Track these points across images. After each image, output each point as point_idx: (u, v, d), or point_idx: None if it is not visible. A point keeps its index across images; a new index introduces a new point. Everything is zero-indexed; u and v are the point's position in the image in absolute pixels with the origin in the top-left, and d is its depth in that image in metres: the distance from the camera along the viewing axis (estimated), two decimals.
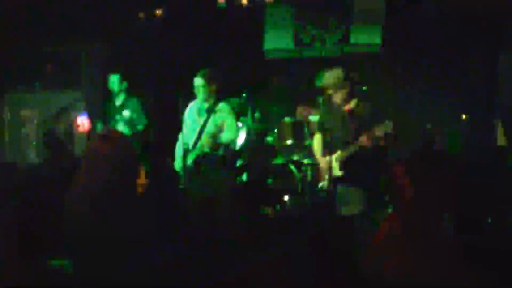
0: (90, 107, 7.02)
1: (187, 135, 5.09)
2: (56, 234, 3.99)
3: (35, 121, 8.24)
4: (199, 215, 4.92)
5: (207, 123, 4.99)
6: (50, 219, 4.23)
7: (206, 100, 5.03)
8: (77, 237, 2.47)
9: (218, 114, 4.98)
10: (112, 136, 2.51)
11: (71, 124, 7.64)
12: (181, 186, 5.04)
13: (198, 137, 5.01)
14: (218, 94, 5.10)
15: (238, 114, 6.53)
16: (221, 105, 5.05)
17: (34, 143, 8.02)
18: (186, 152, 4.95)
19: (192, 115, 5.15)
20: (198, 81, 5.00)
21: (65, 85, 8.05)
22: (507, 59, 6.48)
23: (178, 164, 5.13)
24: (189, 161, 4.95)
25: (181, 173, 5.03)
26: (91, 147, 2.56)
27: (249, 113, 6.49)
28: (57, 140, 7.20)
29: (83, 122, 6.70)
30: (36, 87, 8.30)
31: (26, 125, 8.31)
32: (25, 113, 8.34)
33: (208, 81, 4.98)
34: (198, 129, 5.04)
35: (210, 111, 5.01)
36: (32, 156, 7.83)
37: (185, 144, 4.97)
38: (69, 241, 2.60)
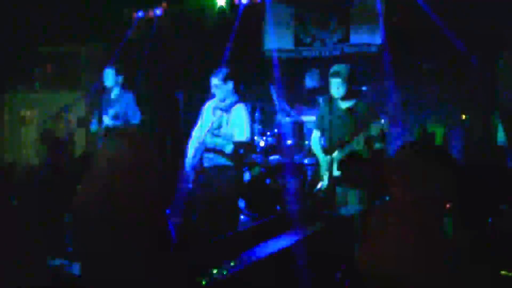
0: (90, 107, 7.03)
1: (200, 133, 5.09)
2: (57, 233, 3.99)
3: (35, 121, 8.25)
4: (205, 213, 4.89)
5: (220, 122, 4.93)
6: (50, 218, 4.23)
7: (223, 99, 4.97)
8: (89, 233, 2.44)
9: (233, 113, 4.91)
10: (129, 133, 2.50)
11: (71, 124, 7.65)
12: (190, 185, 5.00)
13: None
14: (237, 94, 5.01)
15: None
16: (238, 106, 4.96)
17: (34, 143, 8.03)
18: (196, 150, 4.96)
19: (207, 114, 5.09)
20: (213, 81, 4.95)
21: (65, 85, 8.07)
22: (507, 59, 6.48)
23: (188, 162, 5.05)
24: (197, 159, 4.95)
25: (190, 171, 4.98)
26: (106, 145, 2.54)
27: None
28: (56, 140, 7.20)
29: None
30: (36, 87, 8.31)
31: (26, 125, 8.33)
32: (25, 113, 8.35)
33: (224, 80, 4.93)
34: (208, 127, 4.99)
35: (226, 110, 4.94)
36: (32, 156, 7.84)
37: (196, 142, 4.99)
38: (79, 237, 2.58)
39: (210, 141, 4.83)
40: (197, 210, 4.96)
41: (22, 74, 8.20)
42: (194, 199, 4.96)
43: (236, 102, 4.95)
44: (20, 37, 7.66)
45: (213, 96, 5.06)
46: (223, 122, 4.89)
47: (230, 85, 4.96)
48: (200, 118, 5.13)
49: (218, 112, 4.95)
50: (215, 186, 4.87)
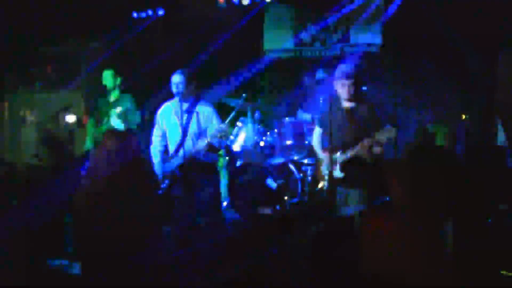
0: (90, 107, 7.03)
1: (163, 137, 4.98)
2: (57, 233, 3.99)
3: (35, 121, 8.25)
4: (185, 218, 4.83)
5: (190, 124, 4.84)
6: (51, 218, 4.23)
7: (184, 99, 4.83)
8: (88, 230, 2.46)
9: (201, 115, 4.85)
10: (118, 131, 2.53)
11: (71, 124, 7.65)
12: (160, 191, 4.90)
13: (182, 140, 4.83)
14: (197, 94, 4.95)
15: (238, 114, 6.53)
16: (203, 104, 4.88)
17: (34, 143, 8.03)
18: (169, 156, 4.87)
19: (168, 116, 4.95)
20: (177, 78, 4.80)
21: (65, 85, 8.06)
22: (507, 59, 6.48)
23: (157, 167, 4.94)
24: (174, 165, 4.83)
25: (160, 176, 4.87)
26: (100, 143, 2.57)
27: (249, 113, 6.48)
28: (56, 140, 7.21)
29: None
30: (36, 87, 8.30)
31: (26, 125, 8.32)
32: (25, 113, 8.34)
33: (187, 78, 4.80)
34: (179, 131, 4.84)
35: (190, 111, 4.84)
36: (32, 156, 7.83)
37: (161, 146, 4.93)
38: (78, 234, 2.59)
39: (195, 149, 4.74)
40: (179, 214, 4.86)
41: (22, 74, 8.20)
42: (174, 203, 4.85)
43: (198, 101, 4.88)
44: (20, 37, 7.66)
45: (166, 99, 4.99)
46: (194, 124, 4.81)
47: (193, 84, 4.87)
48: (159, 122, 5.02)
49: (184, 115, 4.81)
50: (199, 192, 4.81)
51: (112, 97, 6.21)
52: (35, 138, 8.03)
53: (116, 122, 5.98)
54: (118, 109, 6.02)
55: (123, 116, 6.00)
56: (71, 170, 5.54)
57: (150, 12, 7.86)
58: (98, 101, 6.36)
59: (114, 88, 6.21)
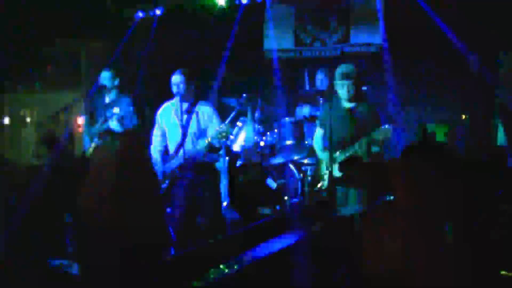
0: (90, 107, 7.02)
1: (163, 138, 4.98)
2: (57, 233, 3.99)
3: (35, 121, 8.25)
4: (185, 218, 4.82)
5: (190, 124, 4.84)
6: (50, 218, 4.23)
7: (184, 99, 4.84)
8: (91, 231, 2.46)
9: (201, 115, 4.87)
10: (117, 132, 2.53)
11: (71, 124, 7.64)
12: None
13: (182, 140, 4.84)
14: (197, 94, 4.95)
15: (238, 114, 6.53)
16: (203, 104, 4.89)
17: (34, 143, 8.03)
18: (170, 156, 4.87)
19: (168, 116, 4.97)
20: (177, 78, 4.82)
21: (65, 85, 8.07)
22: (507, 59, 6.48)
23: (157, 168, 4.93)
24: (174, 165, 4.84)
25: (160, 176, 4.86)
26: (102, 146, 2.58)
27: (249, 113, 6.48)
28: (56, 140, 7.20)
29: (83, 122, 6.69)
30: (36, 87, 8.31)
31: (26, 125, 8.33)
32: (25, 113, 8.35)
33: (188, 78, 4.82)
34: (179, 131, 4.86)
35: (190, 111, 4.85)
36: (32, 156, 7.84)
37: (161, 146, 4.92)
38: (81, 235, 2.60)
39: (195, 149, 4.73)
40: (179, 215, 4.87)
41: (22, 74, 8.20)
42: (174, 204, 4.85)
43: (198, 101, 4.88)
44: (20, 37, 7.65)
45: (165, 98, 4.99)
46: (193, 124, 4.80)
47: (193, 84, 4.87)
48: (158, 122, 5.02)
49: (184, 115, 4.80)
50: (198, 192, 4.80)
51: (110, 97, 6.20)
52: (35, 138, 8.02)
53: (113, 124, 5.98)
54: (115, 110, 6.00)
55: (121, 120, 5.99)
56: (71, 170, 5.54)
57: (149, 12, 7.86)
58: (95, 101, 6.35)
59: (112, 89, 6.19)
